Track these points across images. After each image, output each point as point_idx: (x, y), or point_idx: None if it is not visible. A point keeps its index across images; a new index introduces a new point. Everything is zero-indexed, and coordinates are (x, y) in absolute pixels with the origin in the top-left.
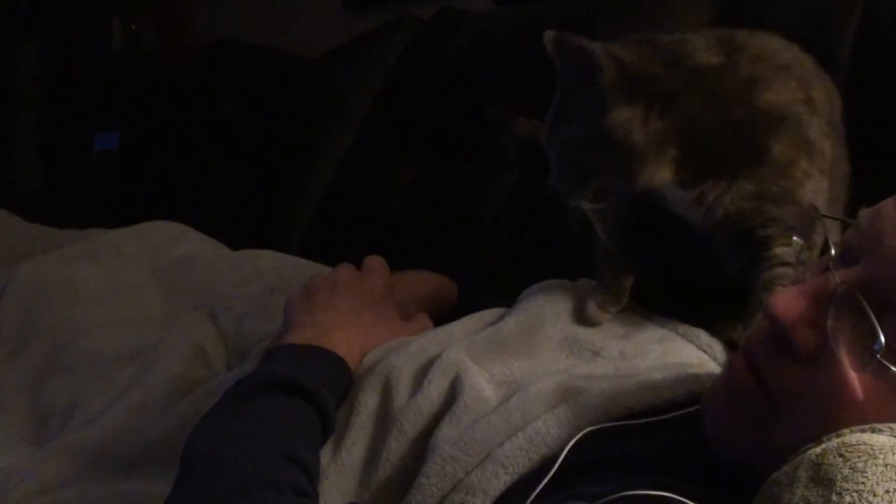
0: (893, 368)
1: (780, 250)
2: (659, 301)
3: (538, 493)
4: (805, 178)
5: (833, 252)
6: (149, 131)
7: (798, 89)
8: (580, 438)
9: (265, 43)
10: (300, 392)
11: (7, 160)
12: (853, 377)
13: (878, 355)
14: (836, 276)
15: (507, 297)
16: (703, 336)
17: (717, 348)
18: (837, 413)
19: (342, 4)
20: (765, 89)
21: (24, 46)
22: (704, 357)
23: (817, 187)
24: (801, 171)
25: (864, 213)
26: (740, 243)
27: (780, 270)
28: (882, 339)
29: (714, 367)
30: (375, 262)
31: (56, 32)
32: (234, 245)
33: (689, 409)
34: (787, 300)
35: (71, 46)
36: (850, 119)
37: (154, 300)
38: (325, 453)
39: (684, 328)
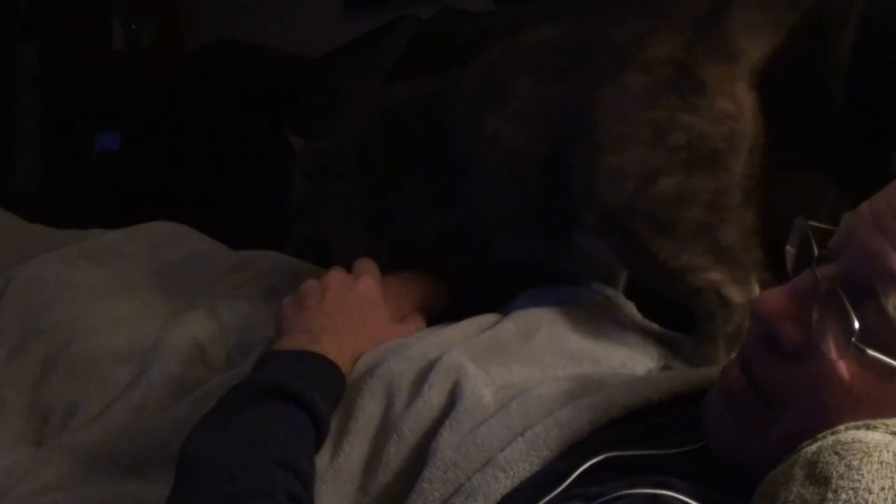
0: (870, 352)
1: None
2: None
3: (539, 495)
4: None
5: (816, 253)
6: (149, 131)
7: None
8: (594, 464)
9: (265, 43)
10: (293, 398)
11: (7, 160)
12: (838, 365)
13: (854, 339)
14: (818, 273)
15: (499, 298)
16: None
17: None
18: (827, 403)
19: (342, 4)
20: None
21: (24, 46)
22: None
23: None
24: None
25: (845, 215)
26: None
27: None
28: (856, 324)
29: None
30: (366, 265)
31: (56, 32)
32: (234, 245)
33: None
34: (770, 298)
35: (71, 46)
36: (849, 120)
37: (154, 300)
38: (323, 458)
39: (678, 337)
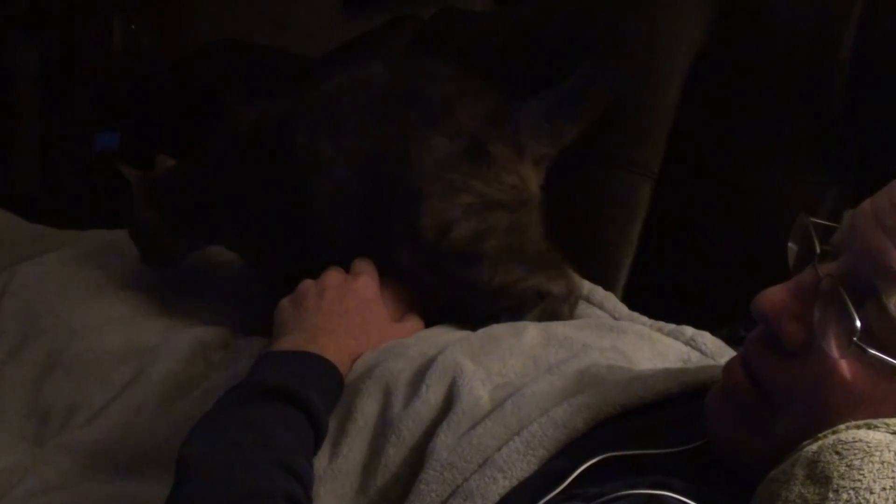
0: (871, 351)
1: None
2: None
3: (538, 495)
4: None
5: (818, 251)
6: (149, 131)
7: None
8: (592, 464)
9: (265, 43)
10: (291, 399)
11: (7, 160)
12: (839, 364)
13: (855, 338)
14: (820, 271)
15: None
16: (688, 331)
17: (702, 340)
18: (829, 402)
19: (342, 4)
20: None
21: (24, 46)
22: (692, 350)
23: None
24: None
25: (847, 213)
26: None
27: None
28: (858, 323)
29: (699, 357)
30: (364, 265)
31: (56, 32)
32: None
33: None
34: (772, 295)
35: (71, 46)
36: (850, 119)
37: (154, 300)
38: (322, 459)
39: (669, 327)
